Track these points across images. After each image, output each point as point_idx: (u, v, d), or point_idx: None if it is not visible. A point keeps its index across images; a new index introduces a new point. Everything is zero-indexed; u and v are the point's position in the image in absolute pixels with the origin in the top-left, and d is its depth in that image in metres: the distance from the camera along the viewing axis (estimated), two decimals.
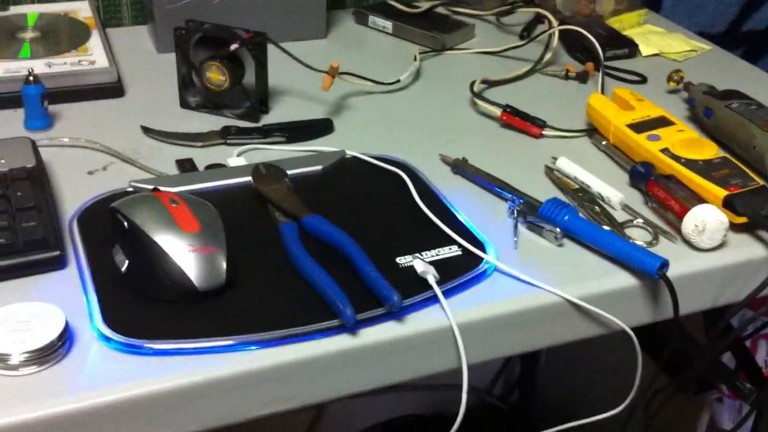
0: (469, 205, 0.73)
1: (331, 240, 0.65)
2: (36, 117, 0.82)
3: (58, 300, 0.59)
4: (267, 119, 0.87)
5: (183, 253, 0.59)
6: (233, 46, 0.85)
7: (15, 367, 0.54)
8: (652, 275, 0.64)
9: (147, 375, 0.55)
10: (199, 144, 0.82)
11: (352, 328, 0.58)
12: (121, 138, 0.82)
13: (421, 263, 0.62)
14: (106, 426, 0.54)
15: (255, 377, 0.57)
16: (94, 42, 0.94)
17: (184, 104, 0.89)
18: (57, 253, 0.63)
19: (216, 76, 0.86)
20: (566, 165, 0.77)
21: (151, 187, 0.70)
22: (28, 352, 0.53)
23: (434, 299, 0.62)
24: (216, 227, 0.62)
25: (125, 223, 0.61)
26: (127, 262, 0.61)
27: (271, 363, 0.57)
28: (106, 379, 0.54)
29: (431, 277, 0.61)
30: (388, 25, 1.09)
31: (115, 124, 0.85)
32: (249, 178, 0.73)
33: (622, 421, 0.70)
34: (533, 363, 1.35)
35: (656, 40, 1.06)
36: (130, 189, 0.72)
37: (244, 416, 0.59)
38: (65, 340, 0.55)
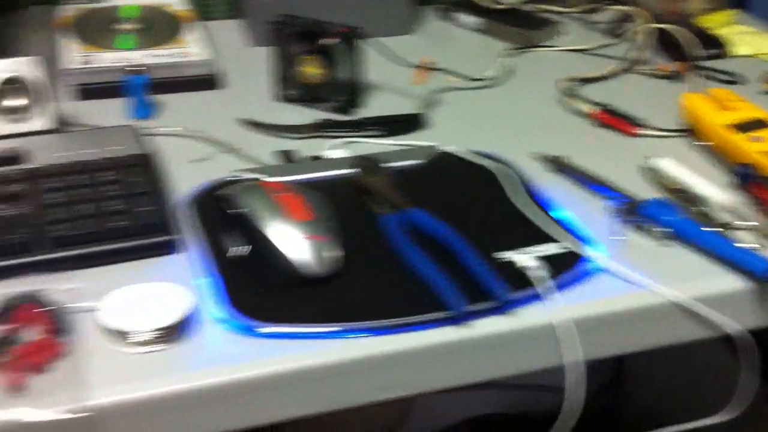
0: (567, 202, 0.73)
1: (436, 233, 0.65)
2: (139, 106, 0.85)
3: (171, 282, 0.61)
4: (358, 113, 0.89)
5: (297, 241, 0.61)
6: (329, 41, 0.86)
7: (138, 345, 0.56)
8: (760, 278, 0.63)
9: (262, 356, 0.57)
10: (297, 136, 0.84)
11: (459, 320, 0.59)
12: (219, 128, 0.84)
13: (525, 258, 0.63)
14: (223, 404, 0.56)
15: (362, 364, 0.59)
16: (192, 35, 0.96)
17: (278, 97, 0.90)
18: (170, 237, 0.65)
19: (311, 69, 0.88)
20: (667, 165, 0.77)
21: (257, 176, 0.72)
22: (153, 330, 0.56)
23: (538, 296, 0.62)
24: (328, 216, 0.64)
25: (237, 211, 0.63)
26: (239, 248, 0.63)
27: (379, 351, 0.59)
28: (225, 360, 0.56)
29: (538, 272, 0.62)
30: (474, 21, 1.09)
31: (213, 115, 0.87)
32: (346, 170, 0.75)
33: (724, 428, 0.69)
34: (622, 364, 1.34)
35: (749, 40, 1.05)
36: (235, 178, 0.74)
37: (348, 403, 0.60)
38: (189, 320, 0.57)
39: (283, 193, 0.64)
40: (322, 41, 0.86)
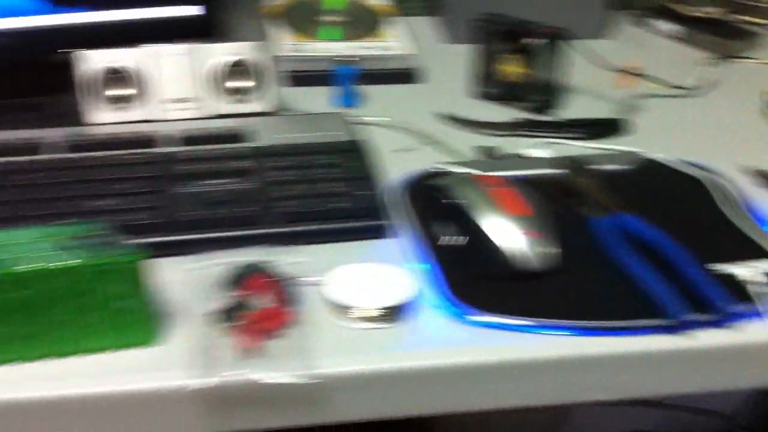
0: None
1: (650, 239, 0.65)
2: (347, 95, 0.88)
3: None
4: (557, 114, 0.89)
5: (511, 235, 0.62)
6: (534, 40, 0.87)
7: (360, 320, 0.58)
8: None
9: (476, 344, 0.58)
10: (495, 133, 0.85)
11: (677, 329, 0.59)
12: (420, 121, 0.86)
13: (748, 272, 0.62)
14: (435, 386, 0.58)
15: (571, 363, 0.59)
16: (395, 29, 0.99)
17: (476, 94, 0.92)
18: (384, 222, 0.68)
19: (512, 68, 0.89)
20: None
21: (463, 170, 0.73)
22: (375, 309, 0.58)
23: (758, 312, 0.60)
24: (545, 213, 0.64)
25: (452, 202, 0.65)
26: (452, 237, 0.65)
27: (591, 352, 0.59)
28: (441, 344, 0.58)
29: (761, 288, 0.60)
30: (670, 28, 1.07)
31: (413, 108, 0.89)
32: (552, 170, 0.75)
33: None
34: None
35: None
36: (441, 170, 0.76)
37: (550, 400, 0.61)
38: (408, 302, 0.59)
39: (497, 188, 0.65)
40: (527, 41, 0.87)
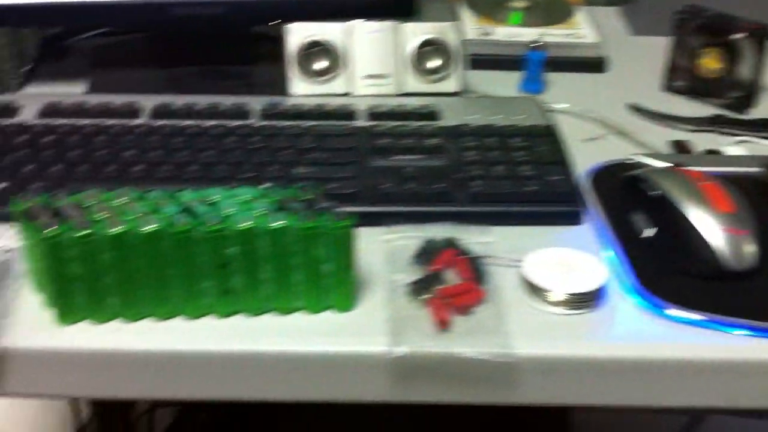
0: None
1: None
2: (533, 81, 0.87)
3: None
4: (754, 113, 0.85)
5: (715, 232, 0.60)
6: (737, 35, 0.83)
7: (554, 304, 0.58)
8: None
9: (675, 340, 0.57)
10: (687, 128, 0.82)
11: None
12: (608, 112, 0.84)
13: None
14: (636, 379, 0.57)
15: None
16: (581, 18, 0.98)
17: (666, 87, 0.89)
18: (577, 208, 0.67)
19: (711, 63, 0.85)
20: None
21: (658, 162, 0.71)
22: (570, 294, 0.58)
23: None
24: (748, 210, 0.62)
25: (655, 193, 0.63)
26: (651, 229, 0.63)
27: None
28: (640, 336, 0.57)
29: None
30: None
31: (599, 98, 0.87)
32: (754, 168, 0.72)
33: None
34: None
35: None
36: (637, 162, 0.74)
37: (750, 403, 0.58)
38: (603, 290, 0.59)
39: (704, 182, 0.63)
40: (731, 36, 0.83)
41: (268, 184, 0.60)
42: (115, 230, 0.51)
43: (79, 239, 0.51)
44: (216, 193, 0.56)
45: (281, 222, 0.53)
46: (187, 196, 0.56)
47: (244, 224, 0.53)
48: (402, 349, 0.54)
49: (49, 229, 0.51)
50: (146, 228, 0.52)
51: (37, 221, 0.52)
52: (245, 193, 0.56)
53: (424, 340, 0.55)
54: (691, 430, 1.29)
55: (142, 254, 0.53)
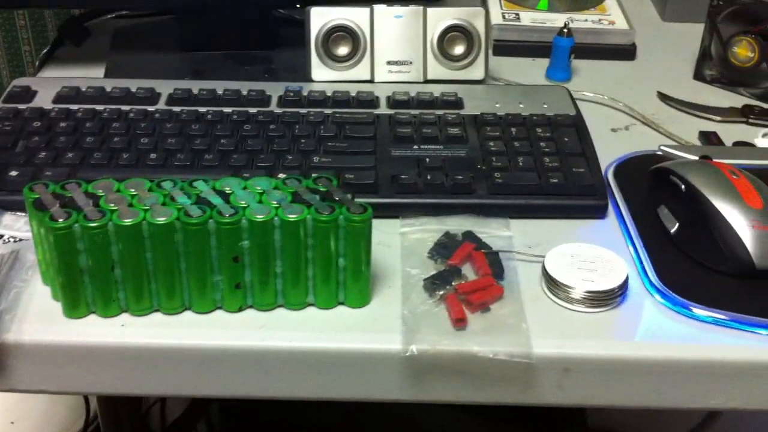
0: None
1: None
2: (560, 68, 0.85)
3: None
4: None
5: (744, 228, 0.58)
6: None
7: (575, 302, 0.56)
8: None
9: (695, 340, 0.55)
10: (717, 118, 0.80)
11: None
12: (637, 101, 0.82)
13: None
14: (666, 379, 0.55)
15: None
16: (611, 3, 0.95)
17: (698, 76, 0.87)
18: (601, 202, 0.65)
19: (744, 51, 0.83)
20: None
21: (695, 156, 0.69)
22: (591, 292, 0.56)
23: None
24: None
25: (683, 186, 0.61)
26: (677, 224, 0.61)
27: None
28: (656, 335, 0.55)
29: None
30: None
31: (630, 87, 0.85)
32: None
33: None
34: None
35: None
36: (660, 153, 0.71)
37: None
38: (625, 287, 0.57)
39: (735, 176, 0.61)
40: (765, 24, 0.80)
41: (282, 175, 0.59)
42: (128, 221, 0.50)
43: (91, 230, 0.50)
44: (230, 184, 0.55)
45: (297, 214, 0.52)
46: (201, 186, 0.54)
47: (260, 216, 0.52)
48: (417, 347, 0.52)
49: (60, 220, 0.50)
50: (160, 219, 0.51)
51: (47, 211, 0.51)
52: (259, 184, 0.55)
53: (440, 338, 0.53)
54: (706, 425, 1.27)
55: (154, 246, 0.52)
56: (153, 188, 0.54)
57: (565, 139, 0.69)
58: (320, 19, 0.76)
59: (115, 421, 1.03)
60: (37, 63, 0.88)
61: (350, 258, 0.54)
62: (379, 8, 0.76)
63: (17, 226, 0.59)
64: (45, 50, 0.88)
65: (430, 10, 0.77)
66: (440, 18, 0.77)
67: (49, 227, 0.50)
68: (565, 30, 0.84)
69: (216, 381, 0.55)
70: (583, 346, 0.54)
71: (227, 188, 0.54)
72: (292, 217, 0.52)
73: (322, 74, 0.77)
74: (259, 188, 0.55)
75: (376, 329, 0.55)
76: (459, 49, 0.78)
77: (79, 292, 0.53)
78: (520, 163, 0.66)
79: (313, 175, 0.57)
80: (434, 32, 0.77)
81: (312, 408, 1.10)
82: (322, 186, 0.56)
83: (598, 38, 0.90)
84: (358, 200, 0.54)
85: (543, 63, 0.88)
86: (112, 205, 0.52)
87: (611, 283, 0.56)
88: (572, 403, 0.56)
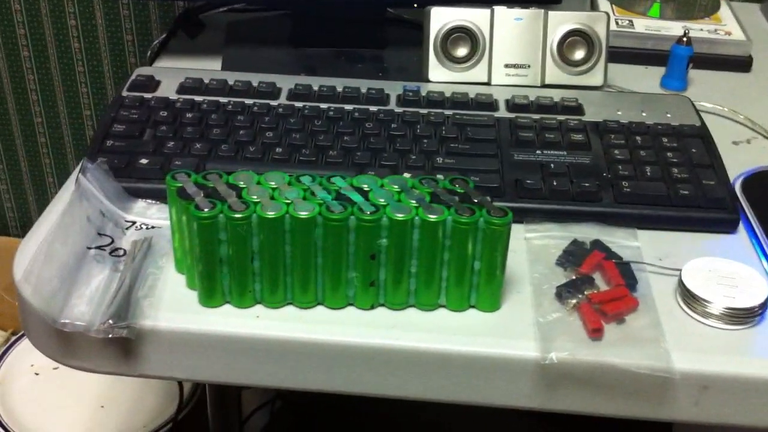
0: None
1: None
2: (676, 77, 0.83)
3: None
4: None
5: None
6: None
7: (712, 317, 0.55)
8: None
9: None
10: None
11: None
12: (758, 114, 0.80)
13: None
14: None
15: None
16: (726, 13, 0.93)
17: None
18: (734, 216, 0.63)
19: None
20: None
21: None
22: (732, 308, 0.54)
23: None
24: None
25: None
26: None
27: None
28: None
29: None
30: None
31: (746, 98, 0.83)
32: None
33: None
34: None
35: None
36: None
37: None
38: (765, 307, 0.55)
39: None
40: None
41: (407, 174, 0.58)
42: (271, 214, 0.50)
43: (234, 221, 0.50)
44: (367, 181, 0.55)
45: (437, 215, 0.51)
46: (339, 182, 0.54)
47: (400, 215, 0.51)
48: (557, 356, 0.51)
49: (206, 210, 0.50)
50: (302, 213, 0.51)
51: (192, 200, 0.51)
52: (396, 182, 0.55)
53: (577, 348, 0.52)
54: None
55: (293, 240, 0.52)
56: (292, 182, 0.54)
57: (693, 150, 0.67)
58: (440, 19, 0.76)
59: (221, 409, 1.05)
60: (149, 53, 0.89)
61: (486, 261, 0.53)
62: (499, 10, 0.76)
63: (149, 213, 0.59)
64: (157, 41, 0.89)
65: (551, 14, 0.76)
66: (561, 22, 0.76)
67: (194, 216, 0.50)
68: (684, 38, 0.82)
69: (343, 377, 0.55)
70: (723, 363, 0.53)
71: (365, 185, 0.54)
72: (432, 217, 0.52)
73: (439, 75, 0.76)
74: (396, 187, 0.54)
75: (508, 335, 0.54)
76: (579, 54, 0.77)
77: (216, 281, 0.53)
78: (648, 173, 0.65)
79: (448, 176, 0.57)
80: (554, 36, 0.76)
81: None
82: (460, 187, 0.55)
83: (712, 48, 0.88)
84: (498, 204, 0.53)
85: (655, 71, 0.86)
86: (255, 197, 0.52)
87: (752, 300, 0.54)
88: (706, 421, 0.55)
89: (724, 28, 0.90)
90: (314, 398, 1.19)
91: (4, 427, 1.07)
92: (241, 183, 0.53)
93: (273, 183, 0.53)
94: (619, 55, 0.89)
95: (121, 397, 1.10)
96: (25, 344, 1.21)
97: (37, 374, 1.16)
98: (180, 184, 0.53)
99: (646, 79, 0.86)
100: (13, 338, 1.24)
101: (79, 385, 1.13)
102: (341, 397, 0.56)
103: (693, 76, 0.86)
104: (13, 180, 1.27)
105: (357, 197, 0.53)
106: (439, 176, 0.56)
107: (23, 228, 1.32)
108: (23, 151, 1.23)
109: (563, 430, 1.15)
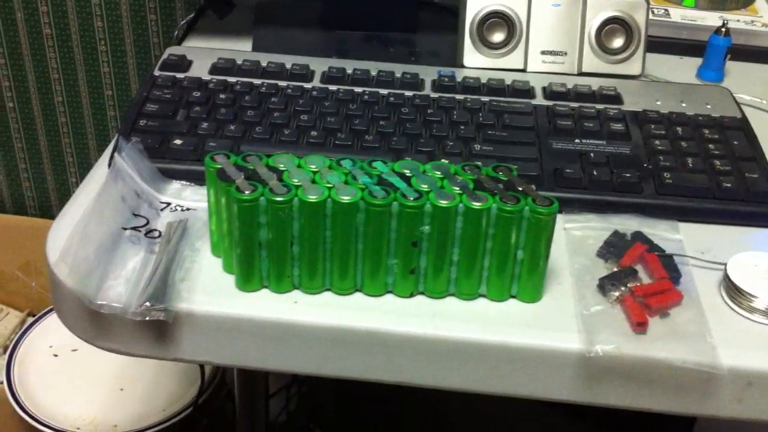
0: None
1: None
2: (714, 68, 0.82)
3: None
4: None
5: None
6: None
7: (759, 313, 0.53)
8: None
9: None
10: None
11: None
12: None
13: None
14: None
15: None
16: (763, 5, 0.91)
17: None
18: None
19: None
20: None
21: None
22: None
23: None
24: None
25: None
26: None
27: None
28: None
29: None
30: None
31: None
32: None
33: None
34: None
35: None
36: None
37: None
38: None
39: None
40: None
41: (444, 161, 0.57)
42: (313, 198, 0.49)
43: (276, 204, 0.49)
44: (409, 167, 0.54)
45: (482, 203, 0.50)
46: (380, 167, 0.53)
47: (444, 202, 0.50)
48: (602, 348, 0.50)
49: (246, 192, 0.49)
50: (344, 198, 0.50)
51: (233, 182, 0.50)
52: (439, 168, 0.53)
53: (622, 341, 0.51)
54: None
55: (334, 225, 0.51)
56: (333, 166, 0.53)
57: (735, 142, 0.66)
58: (477, 4, 0.74)
59: (249, 395, 1.04)
60: (176, 33, 0.88)
61: (529, 251, 0.52)
62: None
63: (184, 194, 0.58)
64: (185, 20, 0.88)
65: (590, 1, 0.75)
66: (600, 9, 0.75)
67: (235, 198, 0.49)
68: (723, 29, 0.80)
69: (381, 366, 0.53)
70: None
71: (407, 171, 0.53)
72: (476, 205, 0.50)
73: (475, 60, 0.75)
74: (438, 173, 0.53)
75: (550, 326, 0.53)
76: (617, 42, 0.75)
77: (254, 265, 0.52)
78: (690, 164, 0.63)
79: (489, 164, 0.55)
80: (593, 23, 0.75)
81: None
82: (503, 175, 0.54)
83: (749, 40, 0.86)
84: (543, 193, 0.52)
85: (691, 62, 0.85)
86: (296, 180, 0.51)
87: None
88: (749, 418, 0.53)
89: (761, 19, 0.88)
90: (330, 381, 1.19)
91: (23, 408, 1.07)
92: (282, 166, 0.52)
93: (314, 166, 0.52)
94: (654, 44, 0.87)
95: (140, 380, 1.10)
96: (44, 325, 1.20)
97: (55, 355, 1.16)
98: (219, 166, 0.52)
99: (682, 69, 0.85)
100: (31, 319, 1.23)
101: (98, 367, 1.12)
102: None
103: (729, 67, 0.84)
104: (32, 159, 1.26)
105: (400, 183, 0.51)
106: (478, 163, 0.55)
107: (41, 209, 1.31)
108: (43, 130, 1.22)
109: (581, 419, 1.14)
